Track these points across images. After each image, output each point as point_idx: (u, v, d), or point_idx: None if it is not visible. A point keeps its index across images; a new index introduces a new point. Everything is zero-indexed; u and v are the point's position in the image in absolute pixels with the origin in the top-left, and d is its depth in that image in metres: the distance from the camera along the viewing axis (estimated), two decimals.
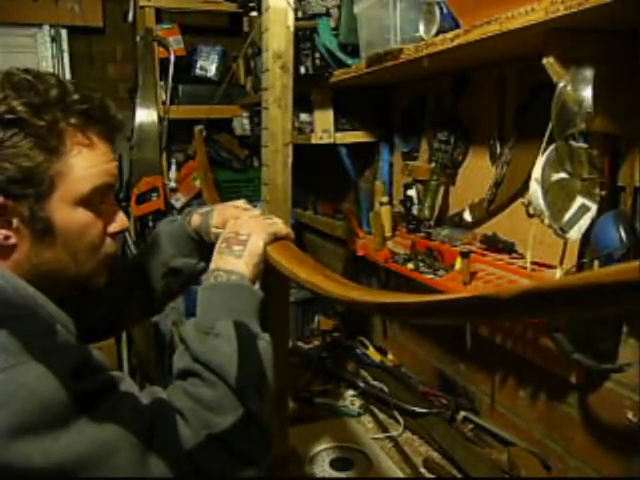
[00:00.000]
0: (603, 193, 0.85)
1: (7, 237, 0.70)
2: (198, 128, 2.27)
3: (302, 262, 0.80)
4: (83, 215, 0.74)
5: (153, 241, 1.07)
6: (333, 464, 1.20)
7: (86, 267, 0.77)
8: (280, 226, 0.90)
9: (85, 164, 0.73)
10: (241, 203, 1.02)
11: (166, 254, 1.02)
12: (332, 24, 1.32)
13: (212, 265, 0.84)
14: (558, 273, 0.93)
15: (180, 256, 1.02)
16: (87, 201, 0.74)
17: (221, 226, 0.96)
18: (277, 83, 0.98)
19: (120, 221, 0.82)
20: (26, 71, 0.73)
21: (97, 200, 0.76)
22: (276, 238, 0.88)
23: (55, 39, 2.60)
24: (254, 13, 1.88)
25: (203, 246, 1.01)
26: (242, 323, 0.76)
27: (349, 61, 1.30)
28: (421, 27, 0.98)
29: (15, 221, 0.70)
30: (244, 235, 0.86)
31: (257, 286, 0.85)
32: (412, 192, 1.40)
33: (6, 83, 0.69)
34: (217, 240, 0.92)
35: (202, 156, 2.16)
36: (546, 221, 0.87)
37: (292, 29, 0.97)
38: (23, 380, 0.60)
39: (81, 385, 0.65)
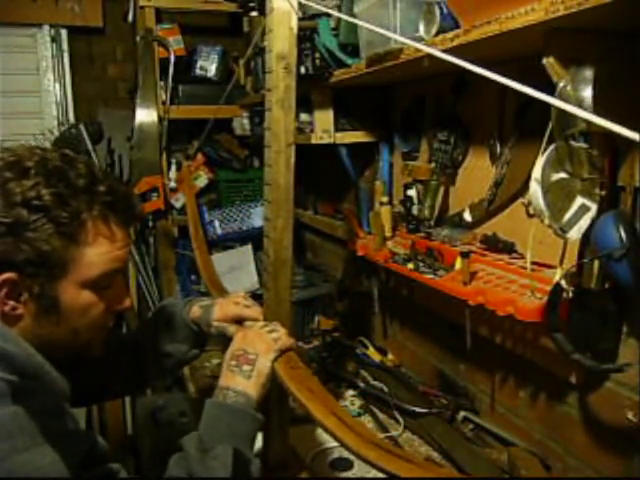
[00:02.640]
0: (603, 193, 0.85)
1: (15, 308, 0.74)
2: (186, 164, 2.23)
3: (311, 391, 0.84)
4: (88, 297, 0.79)
5: (150, 322, 1.13)
6: (333, 464, 1.20)
7: (84, 340, 0.82)
8: (284, 340, 0.95)
9: (99, 251, 0.78)
10: (241, 299, 1.08)
11: (160, 337, 1.07)
12: (332, 24, 1.32)
13: (222, 381, 0.90)
14: (558, 273, 0.93)
15: (173, 341, 1.07)
16: (94, 284, 0.79)
17: (222, 321, 1.04)
18: (280, 84, 0.98)
19: (124, 303, 0.87)
20: (62, 156, 0.78)
21: (104, 283, 0.80)
22: (281, 352, 0.94)
23: (55, 39, 2.60)
24: (254, 13, 1.88)
25: (198, 336, 1.07)
26: (240, 450, 0.82)
27: (349, 61, 1.30)
28: (421, 27, 0.98)
29: (24, 295, 0.74)
30: (252, 354, 0.91)
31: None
32: (412, 192, 1.40)
33: (41, 168, 0.74)
34: (216, 332, 1.03)
35: (193, 204, 1.98)
36: (546, 221, 0.87)
37: (295, 30, 0.98)
38: (38, 464, 0.65)
39: (86, 475, 0.70)
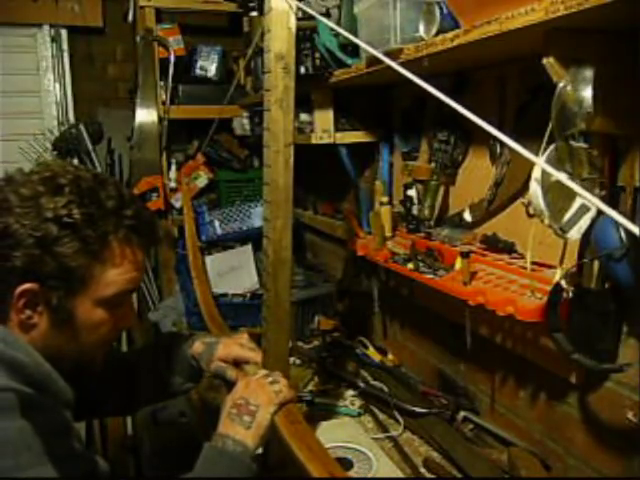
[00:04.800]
0: (603, 193, 0.85)
1: (30, 317, 0.77)
2: (185, 181, 2.25)
3: (310, 449, 0.85)
4: (100, 314, 0.82)
5: (151, 348, 1.16)
6: None
7: (88, 355, 0.85)
8: (285, 393, 0.96)
9: (119, 271, 0.81)
10: (245, 341, 1.10)
11: (158, 366, 1.09)
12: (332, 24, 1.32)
13: (221, 428, 0.90)
14: (558, 273, 0.93)
15: (170, 372, 1.09)
16: (108, 302, 0.81)
17: (224, 360, 1.05)
18: (279, 84, 0.98)
19: (129, 320, 0.90)
20: (94, 176, 0.82)
21: (117, 302, 0.83)
22: (282, 405, 0.95)
23: (55, 39, 2.60)
24: (254, 13, 1.88)
25: (195, 371, 1.08)
26: None
27: (349, 61, 1.30)
28: (421, 27, 0.98)
29: (41, 306, 0.77)
30: (253, 406, 0.92)
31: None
32: (412, 192, 1.40)
33: (75, 187, 0.77)
34: (214, 371, 1.04)
35: (191, 225, 2.01)
36: (546, 221, 0.87)
37: (294, 30, 0.97)
38: None
39: None
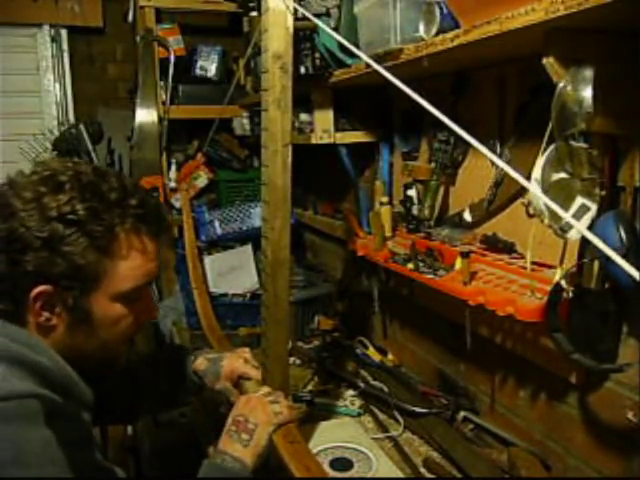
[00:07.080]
0: (603, 193, 0.85)
1: (49, 319, 0.76)
2: (185, 188, 2.25)
3: (308, 469, 0.86)
4: (119, 309, 0.81)
5: (154, 360, 1.17)
6: (333, 464, 1.20)
7: (111, 351, 0.85)
8: (285, 414, 0.96)
9: (131, 265, 0.80)
10: (249, 355, 1.11)
11: (160, 378, 1.10)
12: (332, 24, 1.32)
13: (221, 445, 0.91)
14: (558, 273, 0.93)
15: (171, 386, 1.10)
16: (125, 297, 0.81)
17: (229, 376, 1.06)
18: (277, 84, 0.98)
19: (150, 313, 0.91)
20: (94, 170, 0.81)
21: (135, 296, 0.82)
22: (280, 425, 0.95)
23: (55, 39, 2.61)
24: (254, 13, 1.88)
25: (196, 386, 1.09)
26: None
27: (349, 61, 1.30)
28: (421, 27, 0.98)
29: (59, 307, 0.76)
30: (252, 424, 0.93)
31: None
32: (412, 192, 1.40)
33: (75, 182, 0.76)
34: (218, 389, 1.05)
35: (191, 232, 2.04)
36: (546, 221, 0.87)
37: (291, 30, 0.97)
38: None
39: None
